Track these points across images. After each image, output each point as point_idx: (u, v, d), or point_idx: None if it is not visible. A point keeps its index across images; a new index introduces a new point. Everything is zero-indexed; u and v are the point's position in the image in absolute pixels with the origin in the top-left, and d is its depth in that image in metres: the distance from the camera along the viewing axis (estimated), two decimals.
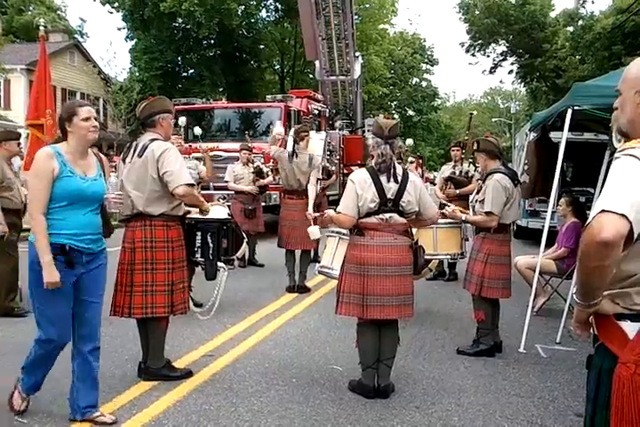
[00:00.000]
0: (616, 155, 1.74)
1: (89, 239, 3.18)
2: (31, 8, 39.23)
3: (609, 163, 5.44)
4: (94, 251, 3.23)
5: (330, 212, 3.90)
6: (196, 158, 8.25)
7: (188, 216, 4.29)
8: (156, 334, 3.97)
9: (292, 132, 7.30)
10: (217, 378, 4.08)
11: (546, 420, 3.52)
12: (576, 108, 4.78)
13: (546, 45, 32.27)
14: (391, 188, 3.68)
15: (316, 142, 10.58)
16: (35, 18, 28.88)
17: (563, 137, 4.88)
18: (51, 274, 3.01)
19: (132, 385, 3.89)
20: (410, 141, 6.82)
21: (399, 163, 4.09)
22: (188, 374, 4.07)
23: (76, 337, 3.32)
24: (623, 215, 1.57)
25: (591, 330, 1.85)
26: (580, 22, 30.71)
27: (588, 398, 1.84)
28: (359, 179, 3.71)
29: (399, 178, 3.71)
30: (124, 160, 4.00)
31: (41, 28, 6.87)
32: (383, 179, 3.69)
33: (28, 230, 9.76)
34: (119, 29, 29.50)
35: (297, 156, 6.83)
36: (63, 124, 3.17)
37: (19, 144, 5.96)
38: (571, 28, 31.87)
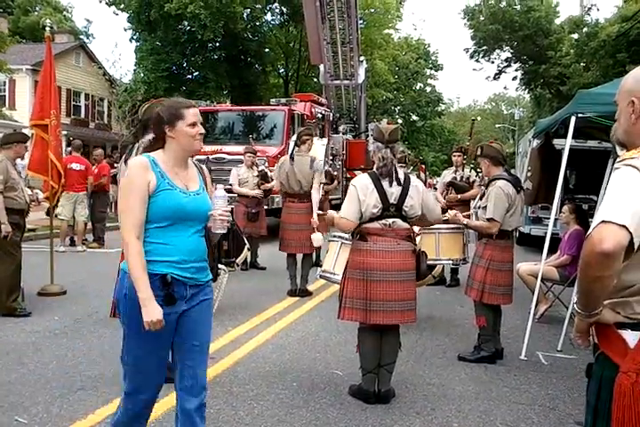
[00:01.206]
0: (615, 165, 1.75)
1: (194, 268, 2.54)
2: (37, 9, 39.38)
3: (612, 171, 5.44)
4: (200, 282, 2.59)
5: (332, 212, 3.91)
6: (199, 161, 8.27)
7: None
8: None
9: (294, 136, 7.32)
10: (217, 381, 4.08)
11: None
12: (580, 115, 4.79)
13: (550, 52, 32.27)
14: (393, 192, 3.68)
15: (319, 148, 10.60)
16: (41, 18, 28.97)
17: (566, 144, 4.88)
18: (152, 311, 2.38)
19: None
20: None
21: (402, 167, 4.10)
22: None
23: (177, 392, 2.74)
24: (623, 226, 1.58)
25: (591, 339, 1.86)
26: (585, 29, 30.71)
27: (589, 407, 1.84)
28: (361, 184, 3.71)
29: (401, 182, 3.71)
30: (125, 162, 4.01)
31: (47, 28, 6.89)
32: (385, 183, 3.69)
33: (32, 231, 9.79)
34: (125, 30, 29.50)
35: (296, 158, 6.81)
36: (161, 128, 2.55)
37: (26, 147, 6.00)
38: (575, 36, 31.87)
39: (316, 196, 6.86)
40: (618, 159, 1.76)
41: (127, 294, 2.45)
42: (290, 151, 7.00)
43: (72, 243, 10.52)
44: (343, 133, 16.37)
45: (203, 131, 2.59)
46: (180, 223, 2.49)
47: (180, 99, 2.70)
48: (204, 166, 2.72)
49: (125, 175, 2.52)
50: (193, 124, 2.54)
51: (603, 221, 1.60)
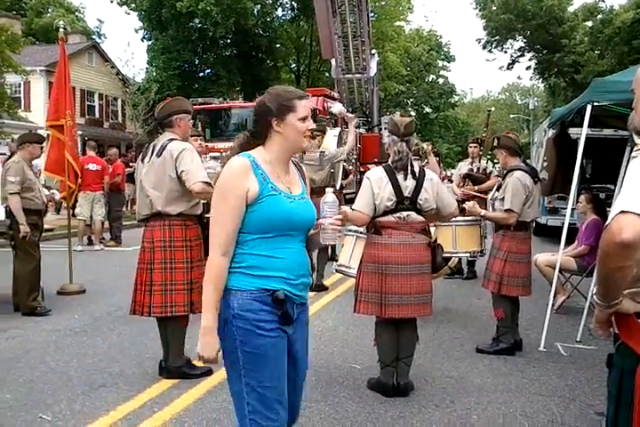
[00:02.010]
0: (633, 154, 1.73)
1: (303, 284, 2.22)
2: (50, 10, 39.67)
3: (629, 159, 5.38)
4: (304, 300, 2.26)
5: (346, 208, 3.91)
6: (214, 158, 8.29)
7: (206, 215, 4.33)
8: (176, 332, 4.01)
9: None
10: None
11: (567, 418, 3.49)
12: (595, 103, 4.73)
13: (564, 40, 31.93)
14: (408, 186, 3.66)
15: (330, 139, 10.57)
16: (54, 20, 29.21)
17: (582, 133, 4.83)
18: (211, 345, 2.06)
19: (153, 383, 3.93)
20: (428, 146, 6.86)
21: (417, 160, 4.08)
22: (207, 372, 4.10)
23: None
24: None
25: (612, 329, 1.84)
26: (600, 16, 30.35)
27: (610, 398, 1.83)
28: (375, 177, 3.70)
29: (416, 175, 3.70)
30: (142, 160, 4.04)
31: (60, 30, 6.94)
32: (400, 177, 3.68)
33: (50, 231, 9.89)
34: (136, 31, 29.61)
35: (306, 153, 6.81)
36: (267, 120, 2.17)
37: (41, 148, 6.06)
38: (589, 23, 31.51)
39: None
40: (635, 148, 1.74)
41: (237, 314, 2.08)
42: None
43: (90, 242, 10.62)
44: (356, 127, 16.33)
45: (313, 126, 2.32)
46: (285, 233, 2.15)
47: (289, 87, 2.32)
48: (302, 166, 2.41)
49: (220, 178, 2.15)
50: (304, 119, 2.18)
51: (622, 211, 1.58)
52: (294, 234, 2.17)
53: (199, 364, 4.21)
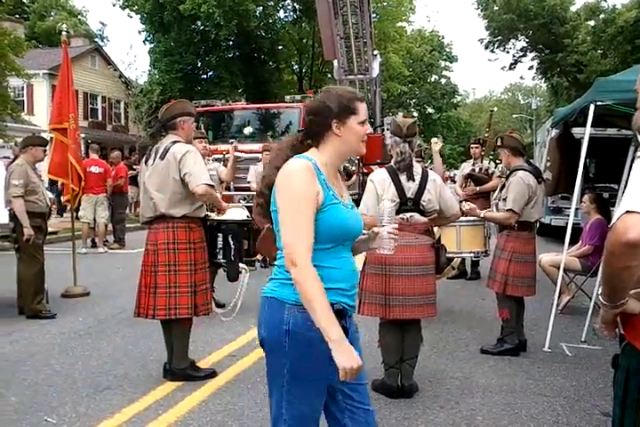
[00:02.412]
0: (638, 153, 1.72)
1: (355, 294, 2.13)
2: (53, 13, 39.79)
3: (633, 159, 5.36)
4: (353, 312, 2.16)
5: None
6: (217, 160, 8.30)
7: (210, 218, 4.34)
8: (180, 334, 4.01)
9: None
10: (241, 378, 4.10)
11: (572, 419, 3.48)
12: (599, 103, 4.72)
13: (567, 40, 31.86)
14: (411, 187, 3.67)
15: None
16: (57, 23, 29.31)
17: (585, 133, 4.82)
18: (353, 354, 1.86)
19: (157, 386, 3.94)
20: (438, 143, 6.77)
21: (419, 161, 4.08)
22: (212, 374, 4.11)
23: None
24: None
25: (617, 330, 1.83)
26: (602, 16, 30.29)
27: (616, 399, 1.81)
28: (378, 179, 3.70)
29: (418, 176, 3.70)
30: (146, 163, 4.04)
31: (63, 33, 6.96)
32: (403, 178, 3.68)
33: (54, 233, 9.88)
34: (139, 33, 29.68)
35: None
36: (327, 122, 2.02)
37: (44, 151, 6.06)
38: (592, 22, 31.45)
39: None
40: None
41: (291, 330, 1.94)
42: None
43: (93, 245, 10.64)
44: None
45: (371, 130, 2.23)
46: (343, 244, 2.06)
47: (348, 87, 2.21)
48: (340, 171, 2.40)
49: (288, 183, 1.95)
50: (363, 122, 2.07)
51: (628, 211, 1.57)
52: (346, 244, 2.09)
53: (203, 366, 4.21)
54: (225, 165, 6.76)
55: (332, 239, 2.00)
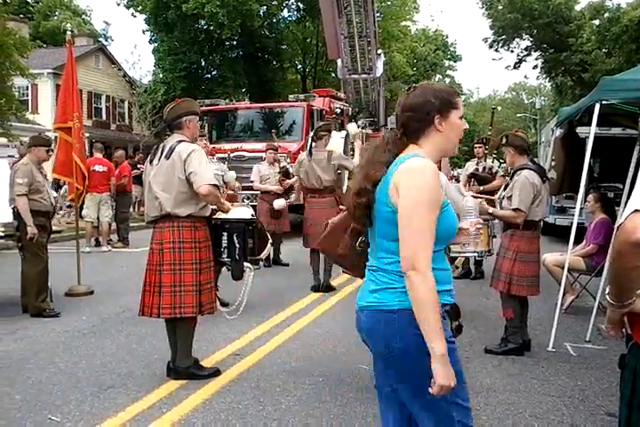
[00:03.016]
0: None
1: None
2: (57, 13, 39.87)
3: (638, 158, 5.35)
4: None
5: None
6: (221, 159, 8.31)
7: (215, 217, 4.34)
8: (185, 333, 4.02)
9: (312, 132, 7.35)
10: (244, 377, 4.10)
11: (576, 419, 3.47)
12: (604, 102, 4.71)
13: (571, 39, 31.77)
14: None
15: (336, 141, 10.54)
16: (61, 23, 29.35)
17: (591, 132, 4.80)
18: (451, 374, 1.84)
19: (161, 384, 3.94)
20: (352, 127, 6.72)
21: None
22: (215, 372, 4.11)
23: None
24: None
25: (624, 330, 1.82)
26: (607, 15, 30.18)
27: (623, 399, 1.80)
28: None
29: None
30: (151, 162, 4.04)
31: (68, 32, 6.98)
32: None
33: (58, 232, 9.90)
34: (144, 32, 29.69)
35: (313, 153, 6.84)
36: (429, 117, 1.97)
37: (47, 151, 6.05)
38: (597, 21, 31.35)
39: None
40: None
41: (414, 345, 1.87)
42: (307, 147, 7.02)
43: (97, 243, 10.66)
44: (362, 128, 16.31)
45: (467, 126, 2.11)
46: (447, 245, 2.08)
47: (444, 86, 2.15)
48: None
49: (418, 181, 1.86)
50: (462, 117, 2.04)
51: (636, 210, 1.56)
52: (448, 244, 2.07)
53: (207, 365, 4.21)
54: (229, 168, 6.75)
55: (444, 241, 1.98)
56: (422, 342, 1.84)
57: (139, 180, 12.48)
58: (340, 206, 6.46)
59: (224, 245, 4.42)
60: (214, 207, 4.28)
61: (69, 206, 14.21)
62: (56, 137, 7.05)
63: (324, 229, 2.27)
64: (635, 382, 1.74)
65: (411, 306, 1.85)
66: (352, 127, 7.37)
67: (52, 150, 6.37)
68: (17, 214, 5.81)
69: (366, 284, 2.04)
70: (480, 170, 7.71)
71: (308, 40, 30.54)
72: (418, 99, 2.00)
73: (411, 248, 1.84)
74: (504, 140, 4.81)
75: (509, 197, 4.57)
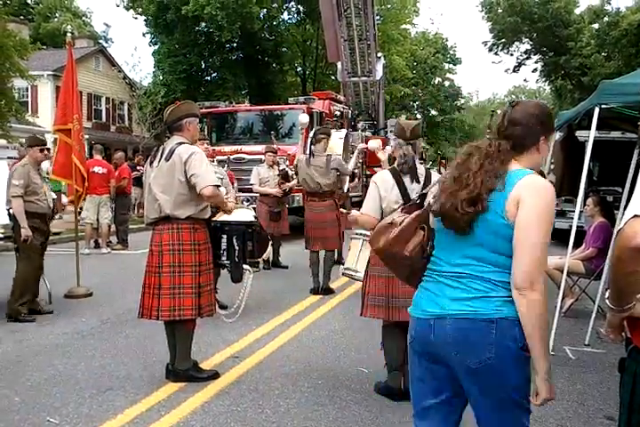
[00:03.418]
0: None
1: None
2: (57, 15, 39.90)
3: (638, 162, 5.35)
4: None
5: (354, 212, 3.91)
6: (220, 161, 8.31)
7: (214, 219, 4.34)
8: (184, 335, 4.01)
9: (311, 133, 7.35)
10: (243, 380, 4.10)
11: (575, 423, 3.47)
12: (603, 106, 4.71)
13: (571, 43, 31.86)
14: (415, 189, 3.66)
15: (336, 141, 10.53)
16: (61, 24, 29.36)
17: (590, 136, 4.81)
18: (552, 387, 1.96)
19: (160, 387, 3.94)
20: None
21: (421, 163, 4.08)
22: (214, 375, 4.11)
23: None
24: None
25: (623, 334, 1.82)
26: (606, 19, 30.26)
27: (622, 403, 1.80)
28: (382, 180, 3.70)
29: (422, 178, 3.69)
30: (151, 164, 4.05)
31: (68, 34, 6.98)
32: (407, 180, 3.67)
33: (57, 234, 9.84)
34: (144, 35, 29.67)
35: (313, 157, 6.85)
36: (538, 135, 2.03)
37: (41, 150, 6.01)
38: (596, 25, 31.43)
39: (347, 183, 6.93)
40: None
41: (523, 346, 1.90)
42: (307, 150, 7.04)
43: (97, 245, 10.65)
44: (362, 130, 16.33)
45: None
46: None
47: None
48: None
49: (544, 199, 1.90)
50: None
51: (635, 216, 1.56)
52: None
53: (206, 367, 4.21)
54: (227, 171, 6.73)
55: None
56: (515, 355, 1.89)
57: (138, 182, 12.49)
58: (341, 210, 6.48)
59: (223, 247, 4.42)
60: (215, 209, 4.28)
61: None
62: (56, 139, 7.04)
63: (385, 229, 2.15)
64: (634, 385, 1.74)
65: (508, 316, 1.89)
66: (373, 144, 7.36)
67: (49, 149, 6.31)
68: (12, 216, 5.78)
69: (444, 290, 2.00)
70: None
71: (308, 43, 30.59)
72: (531, 117, 2.03)
73: (532, 264, 1.86)
74: None
75: None
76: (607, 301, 1.76)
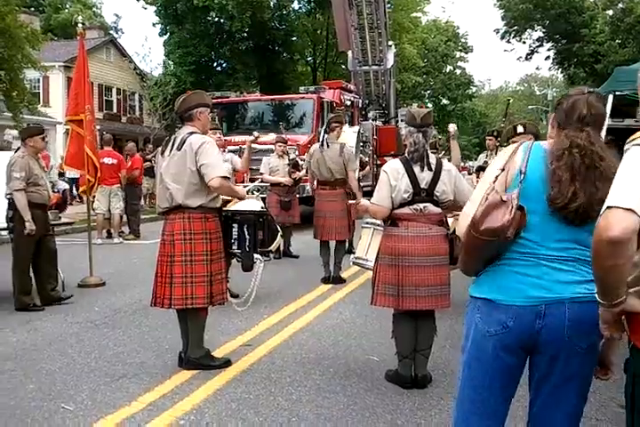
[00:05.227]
0: (625, 146, 1.63)
1: None
2: (68, 6, 39.94)
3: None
4: None
5: (365, 201, 3.90)
6: (232, 151, 8.31)
7: (225, 209, 4.36)
8: (196, 324, 4.04)
9: (325, 122, 7.34)
10: (255, 368, 4.13)
11: (588, 411, 3.45)
12: (617, 93, 4.67)
13: (584, 30, 31.43)
14: (425, 177, 3.64)
15: (349, 136, 10.52)
16: (72, 15, 29.41)
17: (604, 123, 4.76)
18: None
19: (172, 374, 3.97)
20: (453, 127, 6.73)
21: (433, 152, 4.06)
22: (226, 363, 4.14)
23: None
24: (630, 210, 1.48)
25: (624, 331, 1.73)
26: (620, 5, 29.79)
27: (626, 407, 1.73)
28: (392, 169, 3.68)
29: (433, 167, 3.67)
30: (162, 153, 4.06)
31: (79, 25, 6.99)
32: (417, 169, 3.65)
33: (70, 224, 9.81)
34: (154, 25, 29.62)
35: (328, 146, 6.84)
36: None
37: (43, 139, 5.97)
38: (610, 12, 30.95)
39: (354, 183, 6.90)
40: (628, 140, 1.63)
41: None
42: (320, 139, 7.01)
43: (109, 235, 10.72)
44: (373, 120, 16.27)
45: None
46: None
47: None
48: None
49: None
50: None
51: (608, 207, 1.52)
52: None
53: (218, 355, 4.25)
54: (240, 156, 6.74)
55: None
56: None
57: (150, 172, 12.54)
58: (350, 201, 6.47)
59: (234, 236, 4.43)
60: (228, 198, 4.29)
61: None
62: (67, 129, 7.07)
63: (497, 208, 1.96)
64: (634, 388, 1.67)
65: None
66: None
67: (44, 138, 6.19)
68: (11, 205, 5.69)
69: (552, 274, 1.98)
70: (490, 162, 7.65)
71: (319, 32, 30.41)
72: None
73: None
74: (521, 129, 4.69)
75: None
76: (597, 296, 1.68)
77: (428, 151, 3.74)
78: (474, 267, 2.13)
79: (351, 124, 13.89)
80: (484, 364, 2.08)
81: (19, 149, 5.99)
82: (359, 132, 12.54)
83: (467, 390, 2.15)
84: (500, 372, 2.07)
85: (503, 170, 2.02)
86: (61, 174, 14.09)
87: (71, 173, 15.87)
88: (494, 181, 2.01)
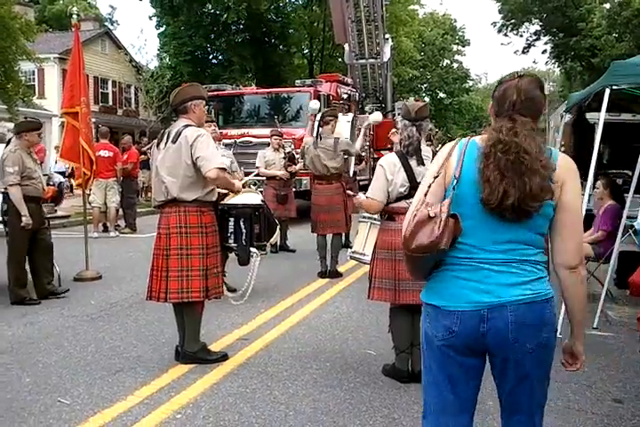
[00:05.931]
0: None
1: None
2: None
3: None
4: None
5: (360, 195, 3.89)
6: (226, 145, 8.28)
7: (222, 202, 4.34)
8: (192, 318, 4.04)
9: (319, 116, 7.32)
10: (252, 362, 4.13)
11: (583, 405, 3.48)
12: (614, 87, 4.65)
13: (581, 24, 31.36)
14: (421, 171, 3.63)
15: (343, 125, 10.48)
16: (67, 7, 29.16)
17: (600, 118, 4.76)
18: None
19: (169, 368, 3.97)
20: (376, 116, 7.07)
21: (428, 145, 4.05)
22: (223, 357, 4.14)
23: None
24: None
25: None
26: None
27: None
28: (388, 163, 3.67)
29: (428, 161, 3.66)
30: (157, 146, 4.04)
31: (74, 16, 6.94)
32: (413, 162, 3.65)
33: (66, 217, 9.82)
34: (150, 18, 29.39)
35: (321, 139, 6.82)
36: None
37: (39, 134, 5.94)
38: (607, 5, 30.89)
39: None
40: None
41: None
42: (315, 133, 7.00)
43: (105, 229, 10.70)
44: (370, 113, 16.20)
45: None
46: None
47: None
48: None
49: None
50: None
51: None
52: None
53: (215, 349, 4.25)
54: (235, 151, 6.72)
55: None
56: (555, 330, 2.03)
57: (146, 165, 12.49)
58: (348, 192, 6.46)
59: (230, 230, 4.43)
60: (224, 191, 4.27)
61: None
62: (63, 122, 7.03)
63: (424, 225, 1.93)
64: None
65: (552, 294, 1.97)
66: (375, 116, 7.39)
67: (41, 134, 6.18)
68: (5, 198, 5.66)
69: (493, 277, 1.93)
70: None
71: (315, 24, 30.26)
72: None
73: (580, 244, 1.99)
74: None
75: None
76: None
77: (423, 144, 3.73)
78: (420, 275, 2.11)
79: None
80: (440, 366, 2.07)
81: (9, 141, 5.93)
82: (352, 120, 12.48)
83: (430, 391, 2.13)
84: (458, 372, 2.04)
85: (437, 177, 1.98)
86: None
87: (58, 165, 15.85)
88: (426, 193, 1.98)
